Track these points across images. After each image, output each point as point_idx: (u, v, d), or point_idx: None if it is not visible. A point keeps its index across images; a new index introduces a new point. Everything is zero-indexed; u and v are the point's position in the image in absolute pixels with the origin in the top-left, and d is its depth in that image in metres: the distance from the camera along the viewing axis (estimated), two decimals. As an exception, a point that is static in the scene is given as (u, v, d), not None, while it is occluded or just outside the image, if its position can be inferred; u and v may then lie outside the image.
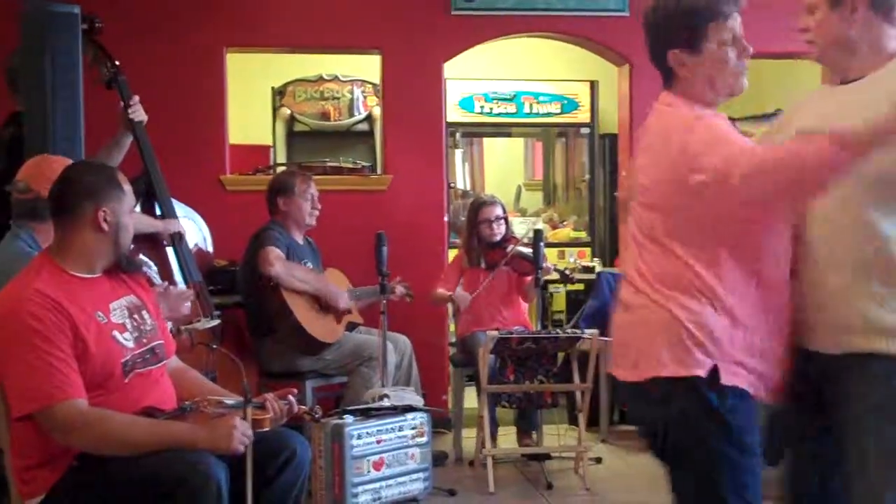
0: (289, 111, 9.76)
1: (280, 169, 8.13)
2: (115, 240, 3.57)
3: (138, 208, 5.05)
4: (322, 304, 6.02)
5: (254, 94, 9.42)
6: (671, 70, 2.98)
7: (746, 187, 2.68)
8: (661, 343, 2.81)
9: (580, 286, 7.02)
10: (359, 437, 5.17)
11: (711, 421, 2.78)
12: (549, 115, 9.63)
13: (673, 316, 2.79)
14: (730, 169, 2.67)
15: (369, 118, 9.67)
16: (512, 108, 9.61)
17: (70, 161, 4.24)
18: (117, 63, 5.32)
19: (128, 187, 3.64)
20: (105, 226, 3.51)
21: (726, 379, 2.77)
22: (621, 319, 2.98)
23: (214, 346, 4.45)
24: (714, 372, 2.76)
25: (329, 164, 8.00)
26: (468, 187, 10.47)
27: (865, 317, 2.82)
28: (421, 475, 5.45)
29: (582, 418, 6.07)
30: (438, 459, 6.10)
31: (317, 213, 6.24)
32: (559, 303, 8.38)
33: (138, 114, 5.25)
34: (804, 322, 2.91)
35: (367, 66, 8.72)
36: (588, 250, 9.18)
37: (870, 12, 2.98)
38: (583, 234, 9.37)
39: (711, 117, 2.88)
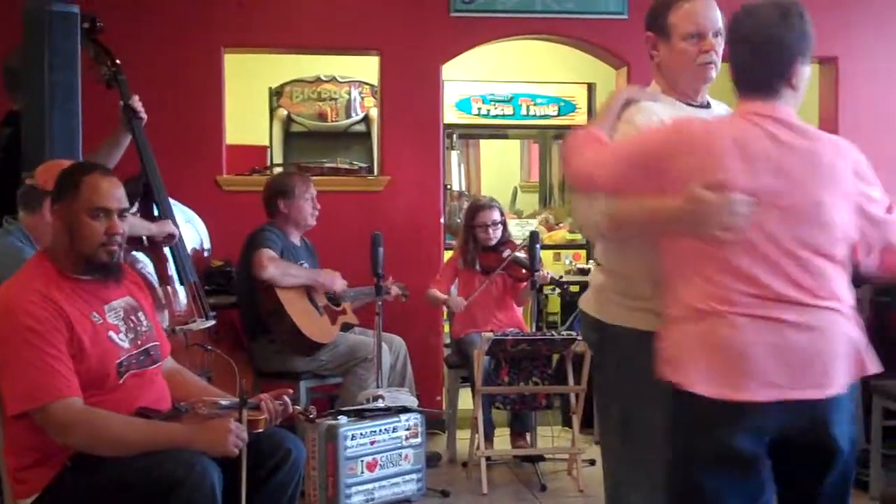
0: (286, 112, 9.76)
1: (277, 169, 8.13)
2: (70, 240, 3.51)
3: (135, 208, 5.07)
4: (316, 302, 6.03)
5: (251, 94, 9.43)
6: (785, 84, 3.01)
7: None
8: (861, 350, 2.99)
9: (576, 288, 7.03)
10: (353, 437, 5.19)
11: None
12: (545, 117, 9.63)
13: (857, 324, 3.02)
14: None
15: (366, 119, 9.68)
16: (509, 110, 9.61)
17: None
18: (118, 62, 5.33)
19: (96, 189, 3.52)
20: (59, 224, 3.51)
21: None
22: (805, 339, 2.89)
23: (209, 347, 4.47)
24: None
25: (326, 164, 8.00)
26: (464, 189, 10.49)
27: None
28: (414, 476, 5.47)
29: (576, 420, 6.07)
30: (432, 460, 6.11)
31: (316, 213, 6.25)
32: (554, 305, 8.40)
33: (140, 110, 5.27)
34: None
35: (365, 67, 8.72)
36: (584, 252, 9.18)
37: None
38: (579, 237, 9.37)
39: None
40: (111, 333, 3.49)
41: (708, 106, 3.41)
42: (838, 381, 2.89)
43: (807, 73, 3.02)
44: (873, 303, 6.37)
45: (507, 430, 6.66)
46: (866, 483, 5.68)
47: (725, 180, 2.84)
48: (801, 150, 2.91)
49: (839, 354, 2.89)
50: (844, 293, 2.95)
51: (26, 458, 3.41)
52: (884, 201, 3.03)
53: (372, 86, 9.16)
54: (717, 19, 3.28)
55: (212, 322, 5.39)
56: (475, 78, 9.51)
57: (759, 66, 2.97)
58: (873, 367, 2.96)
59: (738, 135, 2.91)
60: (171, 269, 5.34)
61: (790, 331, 2.84)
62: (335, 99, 9.80)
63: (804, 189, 2.87)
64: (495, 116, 9.61)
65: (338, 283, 6.14)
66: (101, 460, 3.33)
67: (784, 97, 2.97)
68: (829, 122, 7.65)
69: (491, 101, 9.60)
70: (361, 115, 9.76)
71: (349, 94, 9.79)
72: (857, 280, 3.15)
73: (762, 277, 2.83)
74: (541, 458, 6.34)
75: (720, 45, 3.28)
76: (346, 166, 7.97)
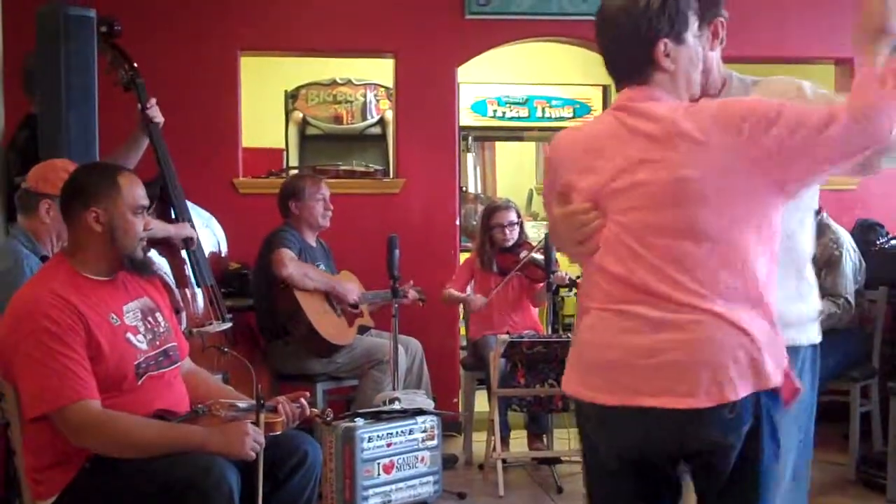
0: (301, 114, 9.78)
1: (293, 172, 8.15)
2: (111, 240, 3.54)
3: (152, 211, 5.08)
4: (334, 304, 6.04)
5: (267, 97, 9.45)
6: (650, 67, 2.78)
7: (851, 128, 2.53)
8: (734, 361, 2.58)
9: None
10: (369, 440, 5.18)
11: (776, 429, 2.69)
12: (561, 119, 9.65)
13: (740, 329, 2.59)
14: (833, 112, 2.54)
15: (382, 122, 9.69)
16: (524, 112, 9.63)
17: (74, 165, 4.28)
18: (136, 65, 5.34)
19: (130, 187, 3.59)
20: (98, 227, 3.51)
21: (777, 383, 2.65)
22: (663, 339, 2.62)
23: (226, 349, 4.47)
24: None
25: (341, 167, 8.01)
26: (480, 191, 10.49)
27: None
28: (431, 478, 5.46)
29: (592, 422, 6.05)
30: (448, 463, 6.11)
31: (330, 214, 6.26)
32: (570, 306, 8.40)
33: (155, 116, 5.28)
34: None
35: (381, 70, 8.74)
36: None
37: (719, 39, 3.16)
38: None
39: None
40: (129, 335, 3.50)
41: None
42: (708, 390, 2.57)
43: (685, 52, 2.78)
44: (891, 303, 6.37)
45: (523, 433, 6.66)
46: (883, 486, 5.66)
47: (567, 188, 2.79)
48: (650, 133, 2.69)
49: (709, 361, 2.58)
50: (730, 281, 2.62)
51: (45, 460, 3.41)
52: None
53: (387, 88, 9.17)
54: None
55: (228, 324, 5.40)
56: (490, 80, 9.52)
57: (615, 52, 2.82)
58: (775, 378, 2.61)
59: (590, 133, 2.86)
60: (188, 272, 5.35)
61: (648, 329, 2.63)
62: (351, 102, 9.81)
63: (656, 172, 2.65)
64: (511, 118, 9.63)
65: (352, 293, 6.12)
66: (119, 462, 3.33)
67: (655, 81, 2.76)
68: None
69: (506, 103, 9.62)
70: (377, 118, 9.77)
71: (365, 96, 9.81)
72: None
73: (622, 272, 2.67)
74: (557, 460, 6.33)
75: None
76: (362, 169, 7.98)
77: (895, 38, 2.66)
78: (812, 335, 3.10)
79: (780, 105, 2.61)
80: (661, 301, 2.62)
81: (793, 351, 2.89)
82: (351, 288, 6.15)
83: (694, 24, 2.82)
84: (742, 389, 2.56)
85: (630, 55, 2.77)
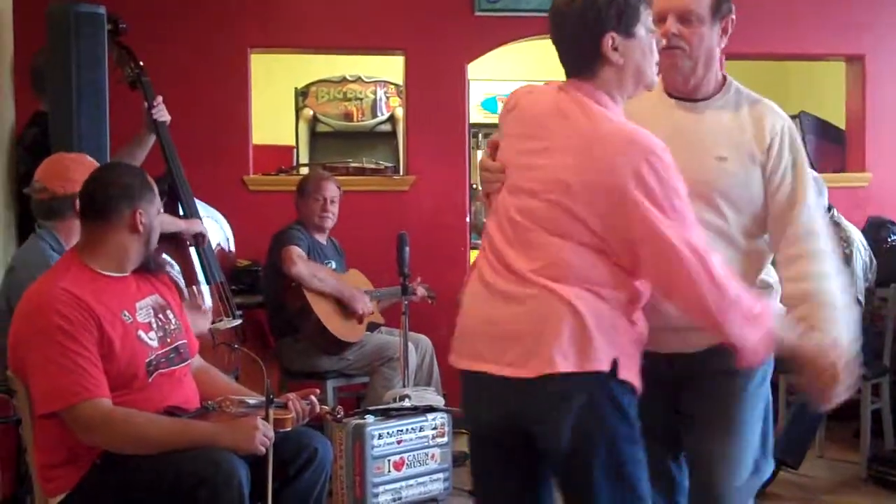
0: (312, 112, 9.77)
1: (304, 170, 8.15)
2: (146, 241, 3.61)
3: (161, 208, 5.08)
4: (344, 304, 6.04)
5: (277, 94, 9.45)
6: (597, 60, 2.77)
7: (693, 289, 2.66)
8: (562, 336, 2.65)
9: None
10: (379, 437, 5.18)
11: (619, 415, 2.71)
12: (570, 115, 9.62)
13: (573, 308, 2.65)
14: (700, 263, 2.65)
15: (392, 119, 9.68)
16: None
17: (87, 157, 4.28)
18: (141, 64, 5.35)
19: (156, 188, 3.67)
20: (140, 227, 3.54)
21: (623, 373, 2.70)
22: (507, 311, 2.75)
23: (236, 346, 4.48)
24: (614, 365, 2.68)
25: (352, 164, 8.00)
26: (490, 188, 10.47)
27: None
28: (441, 475, 5.46)
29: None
30: (459, 460, 6.09)
31: (328, 215, 6.22)
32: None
33: (162, 114, 5.28)
34: (660, 327, 2.90)
35: (391, 67, 8.73)
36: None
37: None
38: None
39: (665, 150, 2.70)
40: (141, 332, 3.50)
41: (703, 99, 3.16)
42: (530, 362, 2.66)
43: (636, 45, 2.76)
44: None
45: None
46: (894, 483, 5.65)
47: (496, 143, 2.90)
48: (568, 130, 2.73)
49: (534, 333, 2.67)
50: (575, 274, 2.67)
51: (56, 457, 3.42)
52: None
53: (397, 85, 9.16)
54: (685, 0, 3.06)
55: (238, 321, 5.41)
56: (500, 77, 9.50)
57: (564, 45, 2.83)
58: (603, 363, 2.65)
59: (531, 101, 2.90)
60: (198, 270, 5.35)
61: (500, 300, 2.76)
62: (361, 99, 9.81)
63: (551, 163, 2.72)
64: (521, 116, 9.59)
65: (359, 305, 6.09)
66: (129, 459, 3.34)
67: (603, 75, 2.77)
68: (856, 120, 7.63)
69: (505, 99, 9.60)
70: (387, 115, 9.76)
71: (375, 93, 9.80)
72: None
73: (498, 244, 2.79)
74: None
75: (693, 29, 3.06)
76: (372, 166, 7.96)
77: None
78: None
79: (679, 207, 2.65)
80: (516, 276, 2.73)
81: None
82: (360, 297, 6.11)
83: (647, 17, 2.81)
84: (563, 366, 2.62)
85: (578, 48, 2.79)
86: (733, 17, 3.12)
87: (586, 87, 2.78)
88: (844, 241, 6.03)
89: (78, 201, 3.91)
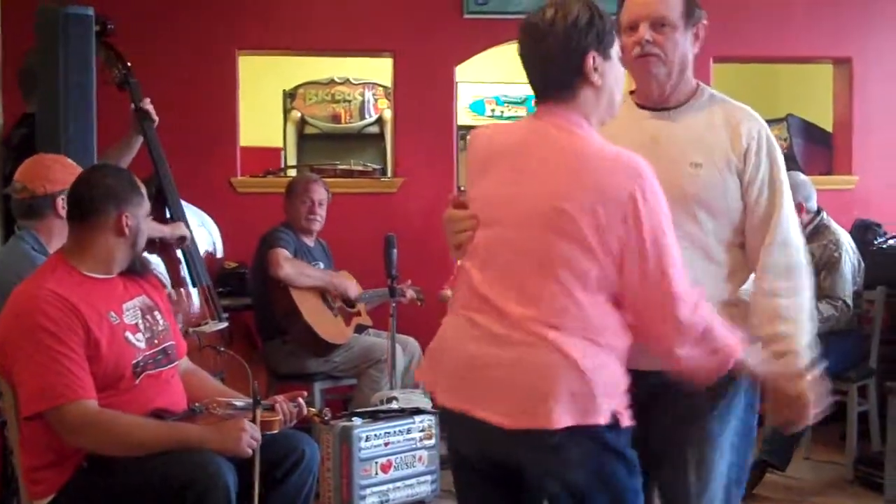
0: (300, 114, 9.77)
1: (291, 171, 8.15)
2: (133, 243, 3.60)
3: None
4: (331, 303, 6.04)
5: (265, 96, 9.44)
6: (578, 80, 2.72)
7: (675, 330, 2.65)
8: (561, 392, 2.55)
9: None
10: (367, 439, 5.18)
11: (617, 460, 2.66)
12: (559, 118, 9.62)
13: (574, 363, 2.56)
14: (679, 304, 2.63)
15: (380, 121, 9.68)
16: (522, 112, 9.61)
17: (66, 158, 4.28)
18: (129, 65, 5.34)
19: (145, 191, 3.67)
20: (126, 230, 3.54)
21: (624, 421, 2.63)
22: (494, 355, 2.64)
23: (222, 349, 4.47)
24: (615, 417, 2.60)
25: (339, 166, 8.01)
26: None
27: None
28: (429, 478, 5.46)
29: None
30: (446, 462, 6.09)
31: (315, 217, 6.22)
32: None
33: (149, 116, 5.28)
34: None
35: (379, 69, 8.73)
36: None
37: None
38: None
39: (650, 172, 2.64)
40: (128, 334, 3.50)
41: (676, 106, 3.09)
42: (523, 413, 2.56)
43: (612, 69, 2.73)
44: (888, 303, 6.36)
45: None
46: (881, 485, 5.66)
47: (458, 194, 2.83)
48: (549, 156, 2.68)
49: (528, 386, 2.58)
50: (571, 311, 2.60)
51: (42, 459, 3.41)
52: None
53: (386, 87, 9.16)
54: (657, 6, 2.99)
55: (225, 324, 5.41)
56: (489, 80, 9.51)
57: (544, 64, 2.76)
58: (603, 416, 2.57)
59: (498, 138, 2.86)
60: (184, 272, 5.35)
61: (489, 343, 2.64)
62: (349, 101, 9.80)
63: (538, 193, 2.65)
64: (509, 118, 9.61)
65: (351, 289, 6.14)
66: (116, 461, 3.33)
67: (581, 97, 2.72)
68: (844, 123, 7.65)
69: (504, 102, 9.61)
70: (375, 117, 9.76)
71: (363, 95, 9.80)
72: None
73: (482, 286, 2.69)
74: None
75: (666, 36, 3.00)
76: (360, 168, 7.97)
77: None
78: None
79: (664, 246, 2.61)
80: (503, 317, 2.63)
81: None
82: (350, 284, 6.15)
83: (617, 44, 2.78)
84: (563, 421, 2.53)
85: (558, 67, 2.72)
86: (705, 22, 3.07)
87: (561, 111, 2.72)
88: (833, 245, 6.03)
89: (59, 201, 3.92)
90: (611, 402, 2.59)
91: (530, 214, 2.64)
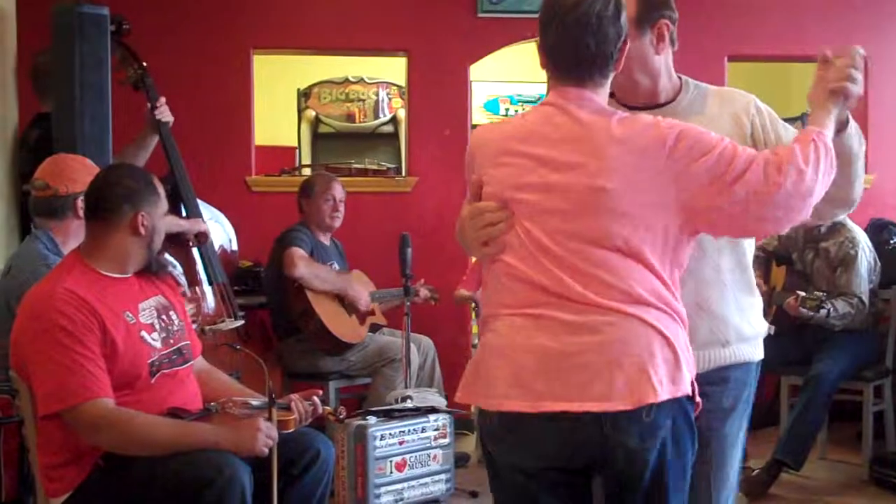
0: (314, 113, 9.76)
1: (305, 170, 8.16)
2: (149, 243, 3.61)
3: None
4: (346, 305, 6.05)
5: (279, 95, 9.43)
6: (614, 62, 2.71)
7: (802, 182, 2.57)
8: (656, 362, 2.54)
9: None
10: (381, 438, 5.18)
11: (691, 431, 2.65)
12: (573, 117, 9.62)
13: (658, 331, 2.54)
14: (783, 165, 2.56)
15: (394, 120, 9.67)
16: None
17: (87, 159, 4.29)
18: (144, 64, 5.36)
19: (162, 191, 3.68)
20: (142, 230, 3.54)
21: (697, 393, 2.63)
22: (577, 342, 2.57)
23: (238, 347, 4.47)
24: (693, 386, 2.60)
25: (354, 165, 8.01)
26: (492, 190, 10.46)
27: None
28: (443, 476, 5.46)
29: (604, 421, 6.04)
30: (461, 461, 6.10)
31: (338, 215, 6.25)
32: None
33: (164, 115, 5.29)
34: None
35: (393, 68, 8.73)
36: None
37: (668, 41, 2.94)
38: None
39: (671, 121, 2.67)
40: (143, 333, 3.51)
41: (666, 103, 2.99)
42: (623, 392, 2.52)
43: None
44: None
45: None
46: (895, 485, 5.66)
47: (479, 183, 2.75)
48: (577, 136, 2.63)
49: (623, 362, 2.53)
50: (644, 285, 2.58)
51: (58, 457, 3.42)
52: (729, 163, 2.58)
53: (400, 87, 9.15)
54: None
55: (240, 322, 5.41)
56: (503, 78, 9.50)
57: (586, 46, 2.69)
58: (687, 386, 2.57)
59: (511, 129, 2.80)
60: (200, 270, 5.36)
61: (564, 332, 2.56)
62: (363, 100, 9.80)
63: (575, 176, 2.59)
64: (524, 117, 9.58)
65: (363, 301, 6.11)
66: (132, 460, 3.34)
67: (607, 82, 2.74)
68: (859, 122, 7.51)
69: (519, 101, 9.59)
70: (389, 116, 9.75)
71: (377, 95, 9.79)
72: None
73: (535, 275, 2.60)
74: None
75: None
76: (374, 167, 7.98)
77: (850, 102, 2.83)
78: (760, 351, 3.05)
79: (720, 140, 2.58)
80: (577, 304, 2.56)
81: (747, 367, 2.99)
82: (363, 293, 6.13)
83: None
84: (660, 393, 2.51)
85: (605, 52, 2.67)
86: (667, 21, 2.91)
87: (583, 93, 2.69)
88: (850, 242, 6.02)
89: (78, 202, 3.92)
90: (690, 371, 2.59)
91: (573, 198, 2.59)
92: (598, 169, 2.57)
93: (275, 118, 9.07)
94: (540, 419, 2.57)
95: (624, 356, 2.52)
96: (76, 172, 4.12)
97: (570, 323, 2.56)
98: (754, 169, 2.54)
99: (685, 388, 2.56)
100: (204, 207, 5.59)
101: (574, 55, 2.70)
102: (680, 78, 3.03)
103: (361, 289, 6.15)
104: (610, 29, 2.65)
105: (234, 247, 6.10)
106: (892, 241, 6.85)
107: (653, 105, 2.95)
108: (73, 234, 4.09)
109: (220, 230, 5.85)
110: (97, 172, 3.79)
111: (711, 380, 2.88)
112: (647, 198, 2.56)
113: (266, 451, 3.41)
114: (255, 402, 3.57)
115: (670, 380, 2.53)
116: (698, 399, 2.62)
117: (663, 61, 2.95)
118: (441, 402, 5.66)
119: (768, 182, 2.53)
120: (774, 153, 2.60)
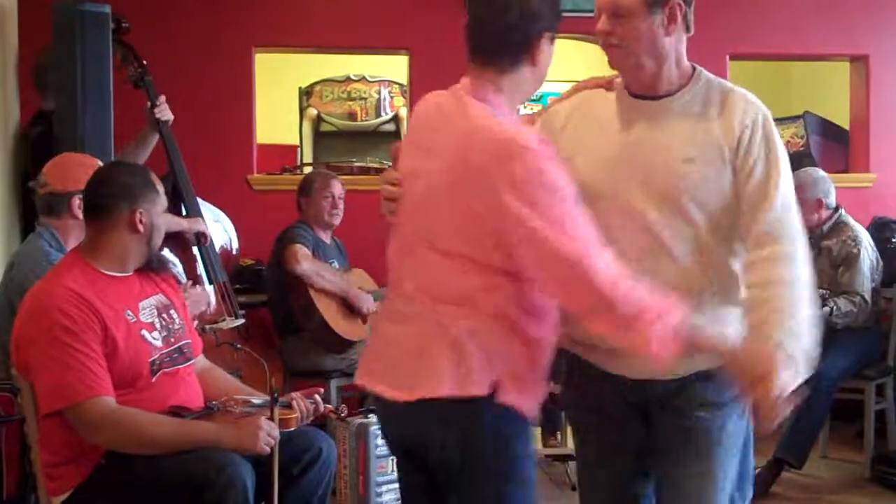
0: (316, 111, 9.77)
1: (307, 169, 8.15)
2: (148, 241, 3.60)
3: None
4: (347, 304, 6.04)
5: (281, 93, 9.43)
6: (525, 52, 2.71)
7: (576, 290, 2.54)
8: (439, 358, 2.60)
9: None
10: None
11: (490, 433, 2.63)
12: (575, 116, 9.61)
13: (450, 330, 2.59)
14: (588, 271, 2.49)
15: (396, 118, 9.67)
16: (537, 109, 9.58)
17: (94, 159, 4.29)
18: (145, 63, 5.36)
19: (161, 188, 3.67)
20: (140, 227, 3.54)
21: (504, 397, 2.59)
22: (398, 332, 2.72)
23: (239, 346, 4.48)
24: (495, 389, 2.58)
25: (356, 164, 8.01)
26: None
27: None
28: (445, 475, 5.45)
29: (606, 420, 6.04)
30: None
31: (338, 212, 6.23)
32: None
33: (165, 113, 5.29)
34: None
35: (395, 67, 8.73)
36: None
37: (682, 24, 2.83)
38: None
39: (544, 146, 2.58)
40: (144, 332, 3.51)
41: (667, 95, 2.86)
42: (414, 384, 2.61)
43: (547, 56, 2.73)
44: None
45: (537, 430, 6.64)
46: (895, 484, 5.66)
47: (397, 151, 2.85)
48: (451, 131, 2.67)
49: (417, 356, 2.63)
50: (454, 290, 2.62)
51: (60, 456, 3.42)
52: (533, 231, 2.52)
53: (401, 85, 9.16)
54: None
55: (241, 321, 5.41)
56: (504, 77, 9.48)
57: (498, 29, 2.77)
58: (481, 388, 2.57)
59: (424, 108, 2.86)
60: (200, 269, 5.36)
61: (394, 320, 2.74)
62: (365, 98, 9.80)
63: (430, 171, 2.67)
64: (524, 115, 9.57)
65: (365, 306, 6.10)
66: (133, 459, 3.34)
67: (516, 74, 2.73)
68: (861, 121, 7.61)
69: (520, 98, 9.56)
70: (391, 115, 9.75)
71: (379, 93, 9.79)
72: None
73: (394, 259, 2.78)
74: (571, 457, 6.30)
75: (625, 24, 2.82)
76: (376, 166, 7.96)
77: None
78: None
79: (560, 200, 2.51)
80: (404, 294, 2.71)
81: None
82: (366, 298, 6.11)
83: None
84: (440, 390, 2.56)
85: (510, 36, 2.71)
86: (681, 1, 2.80)
87: (486, 79, 2.73)
88: (852, 241, 6.02)
89: (75, 201, 3.93)
90: (491, 372, 2.57)
91: (425, 193, 2.67)
92: (440, 167, 2.63)
93: (276, 116, 9.07)
94: (376, 398, 2.76)
95: (417, 349, 2.62)
96: (75, 171, 4.11)
97: (398, 312, 2.73)
98: (575, 248, 2.49)
99: (477, 390, 2.57)
100: (206, 208, 5.59)
101: (498, 34, 2.77)
102: (694, 68, 2.91)
103: (364, 293, 6.13)
104: (543, 15, 2.71)
105: (236, 245, 6.10)
106: (894, 240, 6.84)
107: (651, 96, 2.87)
108: (72, 233, 4.09)
109: (221, 229, 5.85)
110: (94, 170, 3.79)
111: (688, 381, 2.83)
112: (472, 205, 2.57)
113: (268, 449, 3.41)
114: (256, 401, 3.56)
115: (456, 378, 2.57)
116: (512, 403, 2.60)
117: (673, 45, 2.83)
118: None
119: (566, 267, 2.50)
120: (606, 265, 2.50)
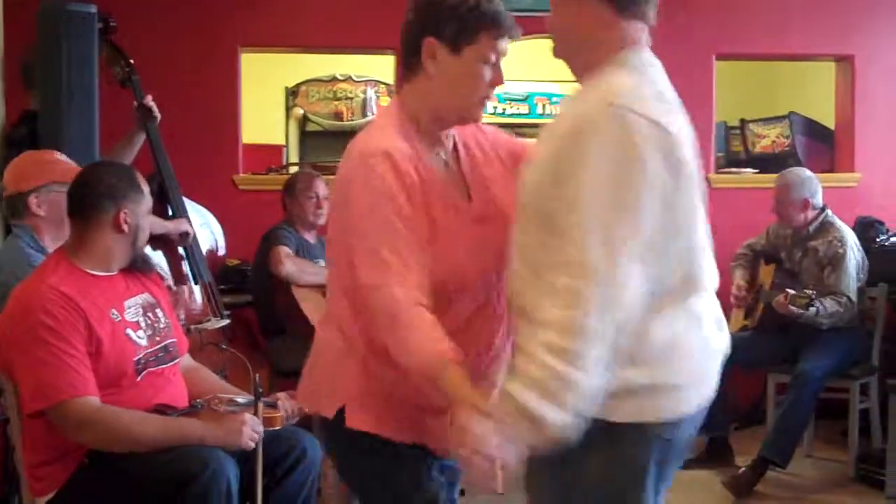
0: (302, 111, 9.77)
1: (293, 169, 8.14)
2: (132, 241, 3.60)
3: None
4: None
5: (267, 93, 9.43)
6: (415, 62, 2.62)
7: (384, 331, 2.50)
8: (306, 377, 2.88)
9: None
10: (369, 436, 5.17)
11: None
12: (561, 116, 9.62)
13: (315, 350, 2.86)
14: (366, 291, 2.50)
15: (382, 118, 9.65)
16: (524, 109, 9.59)
17: (54, 153, 4.27)
18: (132, 62, 5.34)
19: (146, 189, 3.67)
20: (125, 227, 3.53)
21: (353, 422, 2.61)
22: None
23: (224, 346, 4.47)
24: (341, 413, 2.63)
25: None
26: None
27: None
28: (431, 475, 5.45)
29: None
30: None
31: (322, 212, 6.21)
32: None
33: (151, 113, 5.27)
34: None
35: (381, 67, 8.73)
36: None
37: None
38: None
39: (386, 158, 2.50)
40: (129, 331, 3.50)
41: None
42: (311, 399, 2.86)
43: (457, 67, 2.62)
44: (890, 301, 6.36)
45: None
46: (882, 483, 5.66)
47: None
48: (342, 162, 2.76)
49: (309, 373, 2.89)
50: (333, 314, 2.79)
51: (44, 456, 3.42)
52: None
53: (388, 85, 9.17)
54: None
55: (226, 321, 5.40)
56: (490, 77, 9.48)
57: (402, 31, 2.73)
58: (326, 409, 2.70)
59: None
60: (186, 268, 5.35)
61: None
62: (351, 98, 9.81)
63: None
64: (511, 115, 9.59)
65: None
66: (117, 457, 3.34)
67: (418, 82, 2.66)
68: (846, 121, 7.63)
69: (506, 100, 9.58)
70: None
71: (365, 93, 9.80)
72: None
73: None
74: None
75: (553, 9, 2.66)
76: (362, 165, 7.94)
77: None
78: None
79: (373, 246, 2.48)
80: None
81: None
82: None
83: (488, 45, 2.63)
84: (306, 406, 2.84)
85: (407, 43, 2.70)
86: None
87: (401, 92, 2.71)
88: (838, 241, 6.03)
89: (31, 199, 3.92)
90: (338, 395, 2.64)
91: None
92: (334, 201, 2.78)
93: (262, 116, 9.07)
94: None
95: (310, 367, 2.86)
96: (28, 170, 4.10)
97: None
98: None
99: (324, 411, 2.68)
100: (194, 211, 5.58)
101: (403, 41, 2.76)
102: (618, 52, 2.47)
103: None
104: (428, 16, 2.68)
105: (221, 245, 6.09)
106: (878, 240, 6.87)
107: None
108: (46, 231, 4.06)
109: (206, 230, 5.84)
110: (79, 170, 3.78)
111: None
112: (334, 232, 2.70)
113: (252, 444, 3.41)
114: (241, 400, 3.57)
115: (313, 396, 2.80)
116: (369, 431, 2.61)
117: (590, 35, 2.50)
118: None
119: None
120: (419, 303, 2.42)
